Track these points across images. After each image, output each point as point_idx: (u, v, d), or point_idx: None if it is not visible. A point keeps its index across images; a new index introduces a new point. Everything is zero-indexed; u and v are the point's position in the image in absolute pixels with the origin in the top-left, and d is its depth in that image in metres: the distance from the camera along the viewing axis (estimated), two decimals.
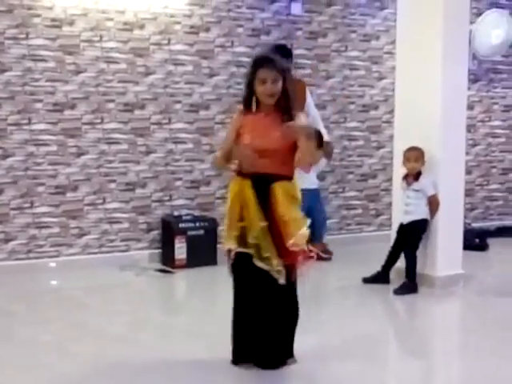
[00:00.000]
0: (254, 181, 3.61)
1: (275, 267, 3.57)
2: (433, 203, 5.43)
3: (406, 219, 5.50)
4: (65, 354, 4.01)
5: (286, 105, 3.65)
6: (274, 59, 3.69)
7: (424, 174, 5.43)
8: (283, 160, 3.62)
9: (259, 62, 3.66)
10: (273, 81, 3.58)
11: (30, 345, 4.20)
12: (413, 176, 5.45)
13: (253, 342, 3.73)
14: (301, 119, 3.67)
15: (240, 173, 3.69)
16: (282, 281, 3.58)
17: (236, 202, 3.66)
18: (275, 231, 3.58)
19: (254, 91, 3.65)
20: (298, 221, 3.62)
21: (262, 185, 3.59)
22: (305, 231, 3.60)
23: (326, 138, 6.59)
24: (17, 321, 4.74)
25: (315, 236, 6.60)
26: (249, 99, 3.69)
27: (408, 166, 5.44)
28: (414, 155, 5.41)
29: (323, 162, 6.75)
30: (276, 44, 6.64)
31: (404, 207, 5.52)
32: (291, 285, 3.67)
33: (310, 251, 3.63)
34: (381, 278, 5.59)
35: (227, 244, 3.68)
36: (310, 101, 6.67)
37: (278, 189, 3.59)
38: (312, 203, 6.23)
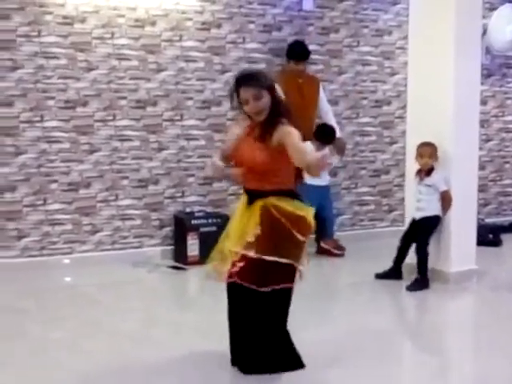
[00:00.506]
0: (248, 196, 3.63)
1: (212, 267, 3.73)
2: (445, 199, 5.40)
3: (418, 215, 5.47)
4: (78, 352, 4.03)
5: (273, 121, 3.47)
6: (253, 75, 3.53)
7: (437, 169, 5.40)
8: (273, 175, 3.50)
9: (238, 82, 3.49)
10: (254, 98, 3.44)
11: (43, 342, 4.22)
12: (425, 171, 5.42)
13: (236, 345, 3.72)
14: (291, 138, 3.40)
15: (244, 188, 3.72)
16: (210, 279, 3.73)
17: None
18: None
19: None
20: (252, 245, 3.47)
21: (252, 200, 3.57)
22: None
23: (338, 133, 6.60)
24: (30, 318, 4.76)
25: (327, 233, 6.64)
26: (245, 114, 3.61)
27: (421, 161, 5.41)
28: (428, 151, 5.37)
29: (336, 158, 6.75)
30: (294, 40, 6.62)
31: (416, 203, 5.49)
32: (263, 296, 3.51)
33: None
34: (393, 273, 5.58)
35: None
36: (322, 96, 6.68)
37: (257, 206, 3.51)
38: (322, 200, 6.22)
